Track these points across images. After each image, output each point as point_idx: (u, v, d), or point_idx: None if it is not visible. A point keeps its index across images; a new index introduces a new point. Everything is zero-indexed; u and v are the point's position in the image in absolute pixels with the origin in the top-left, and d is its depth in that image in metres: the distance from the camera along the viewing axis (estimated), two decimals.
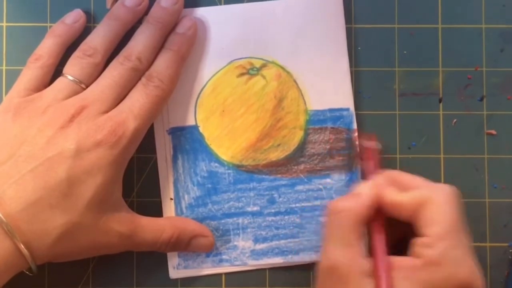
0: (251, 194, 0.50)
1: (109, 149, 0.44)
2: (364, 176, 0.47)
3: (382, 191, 0.43)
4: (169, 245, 0.47)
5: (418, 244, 0.41)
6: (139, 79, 0.48)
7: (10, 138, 0.44)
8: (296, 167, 0.50)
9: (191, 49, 0.50)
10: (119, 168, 0.46)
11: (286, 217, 0.50)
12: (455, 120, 0.51)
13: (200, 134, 0.50)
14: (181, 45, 0.48)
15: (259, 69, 0.50)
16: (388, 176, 0.45)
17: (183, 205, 0.50)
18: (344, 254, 0.42)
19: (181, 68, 0.49)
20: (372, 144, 0.48)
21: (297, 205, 0.50)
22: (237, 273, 0.50)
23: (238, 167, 0.50)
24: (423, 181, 0.44)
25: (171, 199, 0.50)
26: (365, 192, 0.44)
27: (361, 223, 0.43)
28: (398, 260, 0.41)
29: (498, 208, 0.50)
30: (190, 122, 0.50)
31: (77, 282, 0.50)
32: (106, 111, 0.46)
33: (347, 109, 0.50)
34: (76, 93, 0.46)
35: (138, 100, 0.46)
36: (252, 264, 0.50)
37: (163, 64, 0.48)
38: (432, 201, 0.41)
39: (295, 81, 0.50)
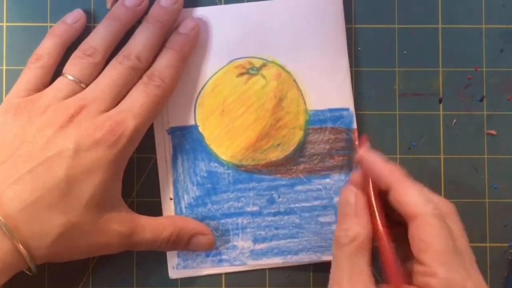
0: (251, 194, 0.50)
1: (108, 149, 0.44)
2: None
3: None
4: (169, 243, 0.47)
5: (420, 273, 0.39)
6: (139, 78, 0.48)
7: (10, 138, 0.45)
8: (295, 167, 0.50)
9: (193, 49, 0.50)
10: (119, 167, 0.46)
11: (285, 217, 0.50)
12: (455, 120, 0.51)
13: (200, 134, 0.50)
14: (183, 45, 0.48)
15: (259, 69, 0.50)
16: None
17: (183, 205, 0.50)
18: (357, 286, 0.40)
19: (183, 68, 0.49)
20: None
21: (297, 205, 0.50)
22: (236, 273, 0.50)
23: (237, 167, 0.50)
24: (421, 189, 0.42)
25: (171, 199, 0.50)
26: (363, 210, 0.42)
27: (369, 248, 0.41)
28: None
29: (498, 208, 0.50)
30: (190, 121, 0.50)
31: (77, 282, 0.50)
32: (106, 111, 0.46)
33: (347, 109, 0.50)
34: (76, 92, 0.46)
35: (138, 99, 0.46)
36: (252, 264, 0.50)
37: (164, 63, 0.48)
38: (420, 219, 0.40)
39: (295, 81, 0.50)
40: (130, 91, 0.47)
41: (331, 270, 0.42)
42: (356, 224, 0.42)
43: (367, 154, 0.43)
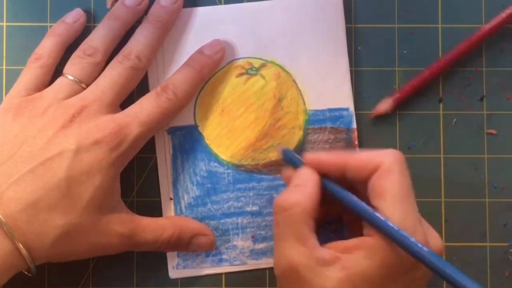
0: (251, 193, 0.50)
1: (109, 151, 0.44)
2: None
3: (343, 156, 0.43)
4: (169, 244, 0.47)
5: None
6: (139, 78, 0.48)
7: (10, 138, 0.45)
8: None
9: (213, 71, 0.50)
10: (118, 170, 0.46)
11: None
12: (455, 120, 0.51)
13: (200, 134, 0.50)
14: (204, 66, 0.49)
15: (258, 69, 0.50)
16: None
17: (183, 205, 0.50)
18: (299, 252, 0.41)
19: (198, 88, 0.49)
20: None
21: None
22: (236, 272, 0.50)
23: (237, 167, 0.50)
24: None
25: (171, 198, 0.50)
26: (308, 180, 0.43)
27: (311, 215, 0.42)
28: (354, 241, 0.41)
29: (498, 208, 0.50)
30: (190, 121, 0.50)
31: (77, 282, 0.50)
32: (107, 111, 0.46)
33: (347, 109, 0.50)
34: (76, 92, 0.46)
35: (147, 108, 0.46)
36: (252, 263, 0.50)
37: (181, 79, 0.48)
38: (386, 169, 0.41)
39: (294, 81, 0.50)
40: (139, 98, 0.47)
41: (274, 239, 0.43)
42: (297, 192, 0.42)
43: (311, 158, 0.44)
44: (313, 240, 0.41)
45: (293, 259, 0.41)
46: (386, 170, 0.41)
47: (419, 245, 0.38)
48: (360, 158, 0.42)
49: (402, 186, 0.40)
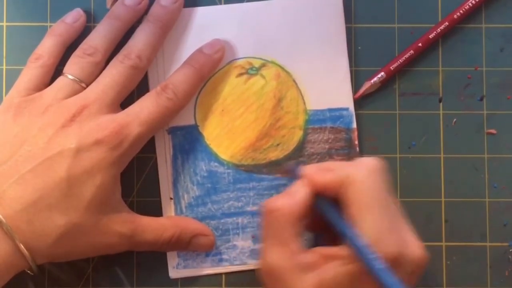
0: (251, 193, 0.50)
1: (110, 151, 0.44)
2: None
3: (313, 176, 0.43)
4: (170, 244, 0.47)
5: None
6: (140, 77, 0.48)
7: (10, 138, 0.45)
8: None
9: (213, 71, 0.50)
10: (119, 170, 0.46)
11: None
12: (455, 120, 0.51)
13: (200, 134, 0.50)
14: (203, 65, 0.49)
15: (258, 69, 0.50)
16: (318, 165, 0.45)
17: (183, 205, 0.50)
18: (280, 255, 0.42)
19: (198, 87, 0.49)
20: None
21: None
22: (236, 272, 0.50)
23: (237, 167, 0.50)
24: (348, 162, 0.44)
25: (171, 198, 0.50)
26: (299, 190, 0.43)
27: (296, 221, 0.42)
28: (333, 249, 0.41)
29: (498, 208, 0.50)
30: (190, 121, 0.50)
31: (78, 282, 0.50)
32: (107, 111, 0.46)
33: (347, 109, 0.50)
34: (76, 92, 0.46)
35: (147, 107, 0.46)
36: (252, 263, 0.50)
37: (181, 78, 0.48)
38: (351, 180, 0.41)
39: (294, 81, 0.50)
40: (139, 98, 0.47)
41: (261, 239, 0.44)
42: (285, 197, 0.43)
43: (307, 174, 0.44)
44: (295, 244, 0.42)
45: (273, 261, 0.42)
46: (352, 181, 0.41)
47: (376, 260, 0.39)
48: (330, 177, 0.42)
49: (368, 194, 0.41)
